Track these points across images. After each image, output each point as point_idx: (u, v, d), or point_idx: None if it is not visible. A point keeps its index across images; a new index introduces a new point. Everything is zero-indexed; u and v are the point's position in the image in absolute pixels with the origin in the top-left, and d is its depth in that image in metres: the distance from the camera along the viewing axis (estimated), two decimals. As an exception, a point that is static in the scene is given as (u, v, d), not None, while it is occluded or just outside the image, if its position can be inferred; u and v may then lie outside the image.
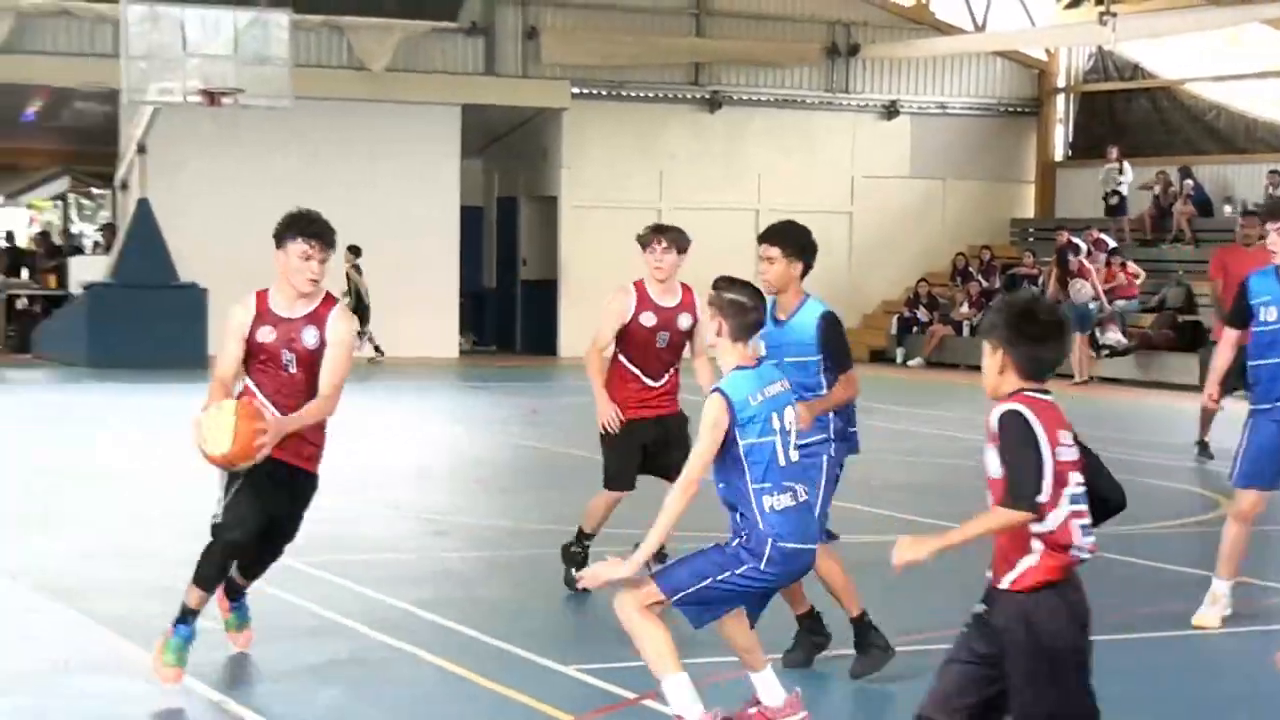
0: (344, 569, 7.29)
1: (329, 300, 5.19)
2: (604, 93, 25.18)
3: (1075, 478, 3.41)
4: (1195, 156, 25.88)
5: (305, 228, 5.03)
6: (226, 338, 5.16)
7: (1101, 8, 24.26)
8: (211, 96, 20.46)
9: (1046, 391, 3.48)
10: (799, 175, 25.67)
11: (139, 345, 20.87)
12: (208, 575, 5.06)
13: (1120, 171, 24.95)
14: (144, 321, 21.41)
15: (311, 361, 5.01)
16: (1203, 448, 13.47)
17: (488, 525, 9.98)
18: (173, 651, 5.02)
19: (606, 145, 24.80)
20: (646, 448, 7.18)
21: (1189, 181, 24.45)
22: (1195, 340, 20.86)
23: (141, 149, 21.81)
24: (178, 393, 15.33)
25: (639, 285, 7.03)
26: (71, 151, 28.83)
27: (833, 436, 5.97)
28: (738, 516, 4.54)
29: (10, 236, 30.43)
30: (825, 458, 5.90)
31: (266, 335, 4.96)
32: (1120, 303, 21.46)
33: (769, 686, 4.72)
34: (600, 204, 24.09)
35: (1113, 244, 22.24)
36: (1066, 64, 28.90)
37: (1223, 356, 6.94)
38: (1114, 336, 21.00)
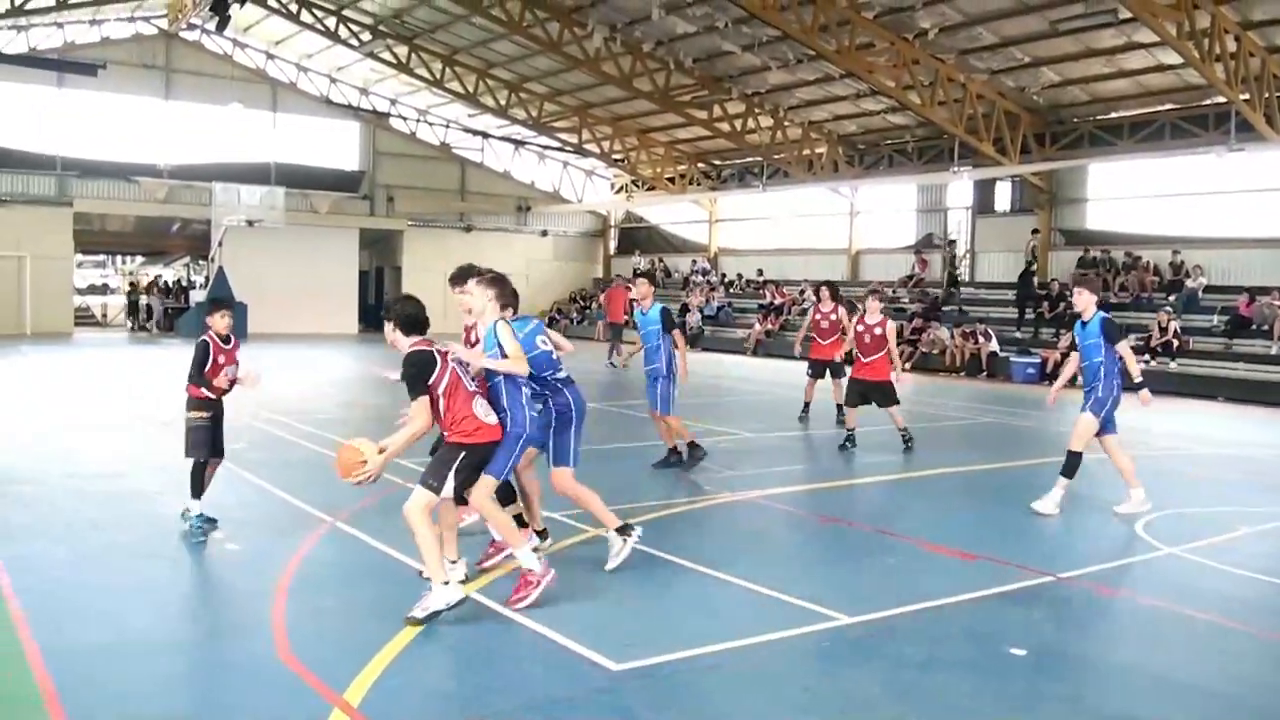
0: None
1: None
2: (422, 224, 38.20)
3: None
4: (667, 254, 40.30)
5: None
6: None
7: (627, 193, 39.60)
8: (250, 222, 32.47)
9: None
10: (507, 260, 37.39)
11: (221, 330, 33.43)
12: None
13: (639, 258, 40.84)
14: (222, 320, 33.91)
15: None
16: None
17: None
18: None
19: (424, 245, 37.35)
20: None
21: (662, 263, 39.85)
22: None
23: (220, 244, 33.03)
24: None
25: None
26: (192, 245, 38.85)
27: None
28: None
29: (169, 281, 41.18)
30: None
31: None
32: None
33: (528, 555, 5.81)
34: (422, 271, 35.58)
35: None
36: (614, 215, 42.88)
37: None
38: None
